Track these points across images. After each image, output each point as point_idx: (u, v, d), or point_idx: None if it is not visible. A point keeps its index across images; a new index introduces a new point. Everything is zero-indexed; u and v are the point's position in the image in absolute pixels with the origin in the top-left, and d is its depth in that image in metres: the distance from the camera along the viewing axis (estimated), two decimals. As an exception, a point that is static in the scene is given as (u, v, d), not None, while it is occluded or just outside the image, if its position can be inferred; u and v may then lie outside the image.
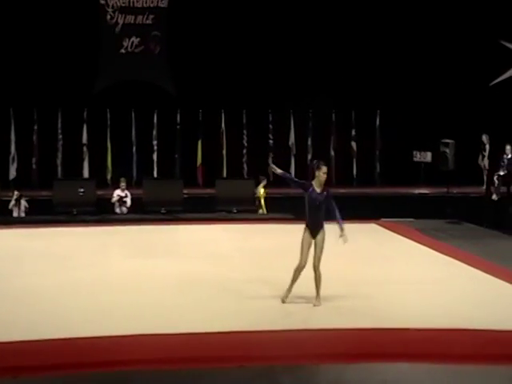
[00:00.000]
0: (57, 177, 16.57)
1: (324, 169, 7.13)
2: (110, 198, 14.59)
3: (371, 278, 8.28)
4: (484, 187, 15.39)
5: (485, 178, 15.56)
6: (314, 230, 7.14)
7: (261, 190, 13.57)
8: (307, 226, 7.19)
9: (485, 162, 15.69)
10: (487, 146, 15.70)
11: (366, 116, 17.50)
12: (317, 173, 7.13)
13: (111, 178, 16.87)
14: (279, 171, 7.34)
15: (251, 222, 12.94)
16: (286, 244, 10.70)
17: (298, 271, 7.19)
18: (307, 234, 7.17)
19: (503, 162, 14.49)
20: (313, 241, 7.16)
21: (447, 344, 6.14)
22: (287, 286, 7.26)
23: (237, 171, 17.15)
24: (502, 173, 14.48)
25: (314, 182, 7.14)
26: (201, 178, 17.27)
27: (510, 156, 14.48)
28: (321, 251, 7.18)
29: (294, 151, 17.66)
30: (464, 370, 5.79)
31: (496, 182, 14.57)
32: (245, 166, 17.39)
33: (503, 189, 14.50)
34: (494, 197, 14.46)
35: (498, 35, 17.46)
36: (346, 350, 6.03)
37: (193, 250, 10.34)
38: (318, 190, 7.12)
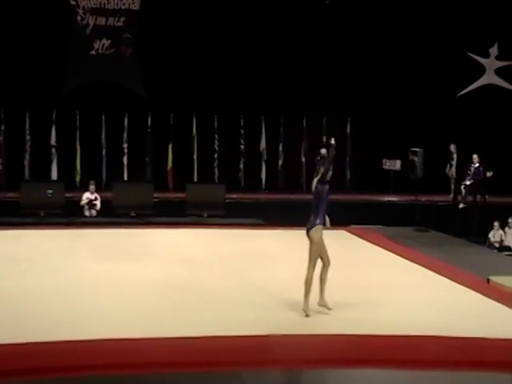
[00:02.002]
0: (24, 178, 16.30)
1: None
2: (79, 201, 14.43)
3: (339, 285, 8.28)
4: (451, 196, 15.65)
5: (452, 186, 15.82)
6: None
7: None
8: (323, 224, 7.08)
9: (452, 171, 15.94)
10: (455, 156, 15.97)
11: (337, 123, 17.63)
12: None
13: (80, 180, 16.67)
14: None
15: (222, 227, 12.93)
16: (258, 249, 10.82)
17: (325, 274, 7.15)
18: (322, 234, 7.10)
19: (470, 170, 14.74)
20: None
21: (414, 350, 6.22)
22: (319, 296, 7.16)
23: (208, 175, 17.11)
24: (468, 182, 14.73)
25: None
26: (171, 182, 17.19)
27: (476, 165, 14.75)
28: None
29: (264, 157, 17.69)
30: (431, 376, 5.87)
31: (463, 190, 14.83)
32: (216, 170, 17.36)
33: (469, 198, 14.76)
34: (461, 205, 14.72)
35: (465, 47, 17.80)
36: (315, 357, 6.05)
37: (164, 254, 10.29)
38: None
